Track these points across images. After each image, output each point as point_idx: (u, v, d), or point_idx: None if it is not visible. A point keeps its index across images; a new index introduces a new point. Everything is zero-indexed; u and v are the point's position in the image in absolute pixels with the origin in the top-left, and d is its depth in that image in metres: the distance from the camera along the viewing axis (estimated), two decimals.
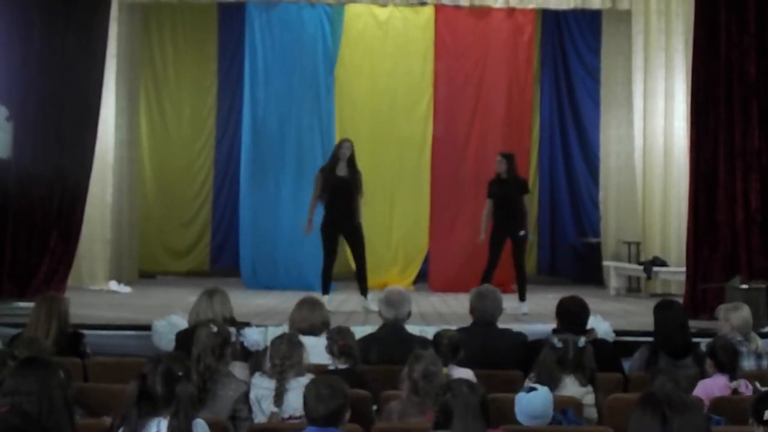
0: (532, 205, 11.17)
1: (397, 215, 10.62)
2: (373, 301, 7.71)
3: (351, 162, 8.07)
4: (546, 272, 11.67)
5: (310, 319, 4.90)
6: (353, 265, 8.40)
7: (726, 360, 4.33)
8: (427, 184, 10.52)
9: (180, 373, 3.19)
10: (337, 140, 10.08)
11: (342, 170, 8.04)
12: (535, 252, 11.70)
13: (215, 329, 4.08)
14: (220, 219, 11.67)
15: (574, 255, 11.59)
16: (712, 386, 4.20)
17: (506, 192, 8.02)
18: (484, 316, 5.07)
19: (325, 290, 7.99)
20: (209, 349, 3.94)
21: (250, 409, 3.91)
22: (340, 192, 8.00)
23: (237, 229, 10.64)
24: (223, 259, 11.54)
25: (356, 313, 7.94)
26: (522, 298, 8.18)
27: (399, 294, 5.18)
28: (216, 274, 11.09)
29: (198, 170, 11.69)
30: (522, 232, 8.00)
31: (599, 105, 11.04)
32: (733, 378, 4.31)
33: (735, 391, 4.25)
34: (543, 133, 11.77)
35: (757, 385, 3.97)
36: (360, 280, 8.15)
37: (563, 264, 11.67)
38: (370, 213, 9.15)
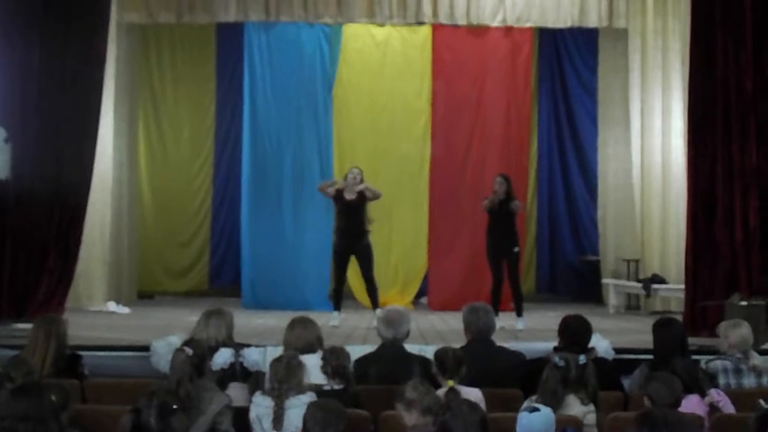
0: (530, 223, 11.42)
1: (396, 234, 10.62)
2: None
3: (357, 185, 8.38)
4: (545, 290, 11.67)
5: (305, 337, 4.88)
6: (352, 284, 8.61)
7: (689, 381, 4.30)
8: (426, 203, 10.55)
9: (175, 406, 3.21)
10: (335, 159, 10.46)
11: (349, 195, 8.36)
12: (534, 270, 11.72)
13: (190, 352, 4.05)
14: (219, 238, 11.69)
15: (573, 273, 11.58)
16: (688, 407, 4.13)
17: (504, 212, 8.26)
18: (480, 331, 5.06)
19: (337, 307, 8.47)
20: (186, 376, 3.95)
21: (231, 422, 3.94)
22: (349, 214, 8.31)
23: (236, 248, 10.68)
24: (223, 279, 11.55)
25: (358, 330, 8.00)
26: (519, 314, 8.27)
27: (398, 313, 5.14)
28: (215, 293, 11.09)
29: (197, 190, 11.70)
30: (516, 249, 8.30)
31: (597, 123, 11.06)
32: (703, 395, 4.29)
33: (712, 406, 4.23)
34: (541, 151, 11.79)
35: (762, 402, 3.88)
36: (371, 294, 8.52)
37: (562, 282, 11.67)
38: (371, 232, 9.21)
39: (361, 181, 8.39)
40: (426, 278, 10.58)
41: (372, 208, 8.77)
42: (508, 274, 8.31)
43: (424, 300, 10.62)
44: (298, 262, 10.01)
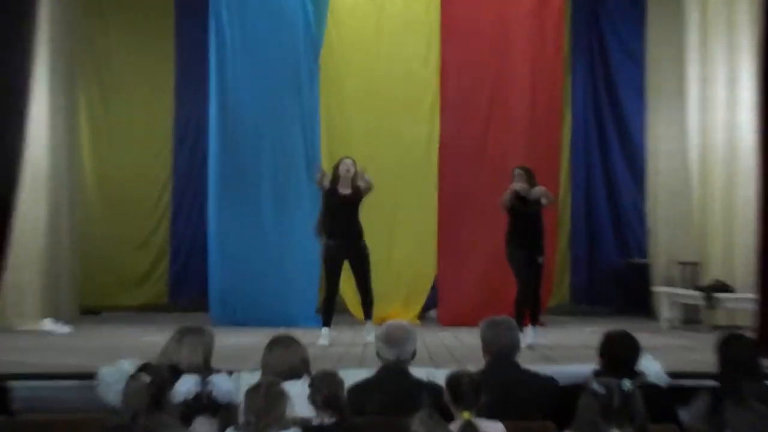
0: (564, 219, 11.56)
1: (399, 234, 10.73)
2: (370, 332, 8.39)
3: (351, 178, 8.65)
4: (582, 300, 11.81)
5: (287, 359, 4.89)
6: (345, 295, 8.72)
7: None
8: (435, 196, 10.66)
9: None
10: (323, 143, 10.53)
11: (344, 189, 8.62)
12: (569, 276, 11.91)
13: (147, 380, 4.08)
14: (182, 240, 11.80)
15: (616, 279, 11.69)
16: None
17: (526, 210, 8.50)
18: (502, 351, 5.07)
19: (327, 322, 8.63)
20: (142, 409, 3.97)
21: None
22: (343, 211, 8.59)
23: (202, 252, 10.76)
24: (186, 290, 11.68)
25: (353, 350, 8.12)
26: (533, 322, 8.53)
27: (402, 330, 5.10)
28: (177, 308, 11.20)
29: (153, 180, 11.81)
30: (540, 259, 8.53)
31: (644, 96, 11.18)
32: None
33: None
34: (576, 131, 11.89)
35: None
36: (365, 304, 8.82)
37: (603, 290, 11.80)
38: (366, 231, 9.29)
39: (355, 173, 8.63)
40: (435, 287, 10.69)
41: (369, 203, 8.93)
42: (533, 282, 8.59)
43: (433, 313, 10.76)
44: (279, 269, 10.10)
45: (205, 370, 4.95)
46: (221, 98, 10.34)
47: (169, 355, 4.98)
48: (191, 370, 4.84)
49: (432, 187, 10.65)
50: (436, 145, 10.66)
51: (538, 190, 8.49)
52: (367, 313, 8.84)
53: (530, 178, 8.52)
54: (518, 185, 8.47)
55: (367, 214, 9.15)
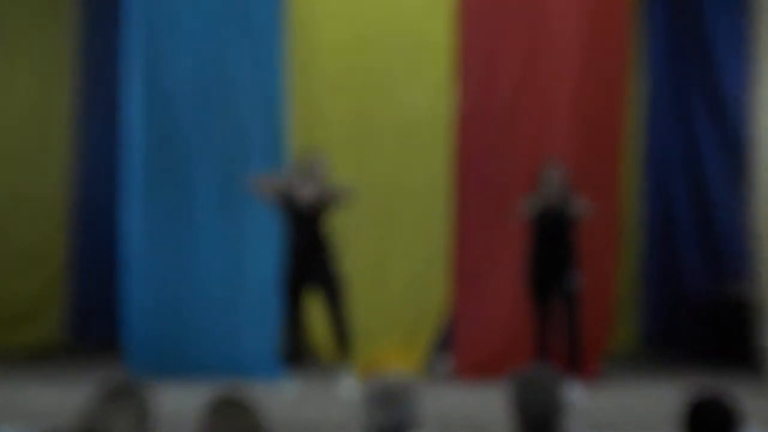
0: (631, 233, 11.72)
1: (397, 250, 10.80)
2: (349, 383, 8.64)
3: (320, 179, 8.99)
4: (656, 344, 11.87)
5: (234, 430, 4.74)
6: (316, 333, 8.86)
7: None
8: (447, 198, 10.66)
9: None
10: (295, 129, 10.57)
11: (306, 190, 9.01)
12: (637, 310, 11.97)
13: None
14: (85, 256, 11.86)
15: (705, 315, 11.70)
16: None
17: (557, 221, 8.92)
18: (539, 418, 4.95)
19: (291, 358, 9.09)
20: None
21: None
22: (307, 225, 9.01)
23: (113, 276, 10.70)
24: (91, 325, 11.71)
25: (329, 412, 8.22)
26: (575, 370, 8.86)
27: (399, 385, 5.01)
28: (78, 350, 11.20)
29: (45, 181, 11.89)
30: (575, 279, 9.05)
31: (745, 66, 11.10)
32: None
33: None
34: (650, 111, 12.00)
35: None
36: (339, 338, 9.07)
37: (685, 330, 11.84)
38: (352, 244, 9.71)
39: (321, 171, 9.07)
40: (448, 324, 10.67)
41: (356, 206, 9.22)
42: (562, 317, 8.94)
43: (444, 360, 10.72)
44: (225, 298, 10.16)
45: None
46: (145, 67, 10.35)
47: (95, 426, 4.77)
48: None
49: (442, 182, 10.64)
50: (448, 125, 10.62)
51: (580, 206, 8.85)
52: (342, 351, 9.09)
53: (564, 178, 9.00)
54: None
55: (353, 219, 9.47)
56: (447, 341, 10.73)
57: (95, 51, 11.83)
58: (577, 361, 8.95)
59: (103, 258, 11.55)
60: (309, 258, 9.06)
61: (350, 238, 9.89)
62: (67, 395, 8.38)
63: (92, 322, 11.74)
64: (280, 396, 8.49)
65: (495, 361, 9.83)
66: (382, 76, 10.85)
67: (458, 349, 10.52)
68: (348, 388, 8.94)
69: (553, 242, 9.07)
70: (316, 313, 9.77)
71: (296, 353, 9.11)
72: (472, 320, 10.45)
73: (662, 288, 12.06)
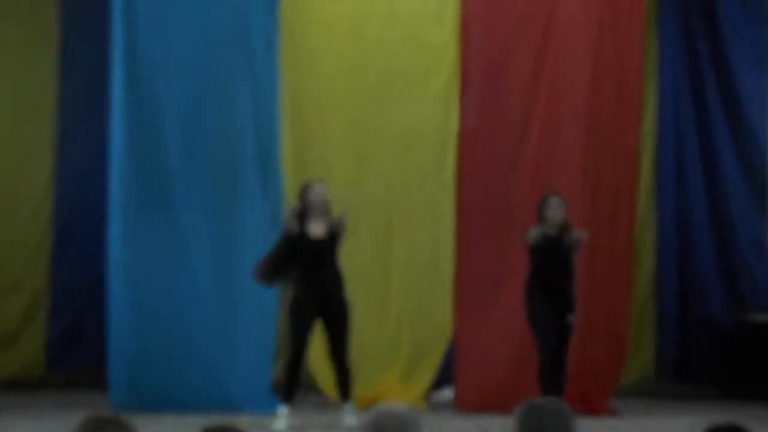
0: (645, 254, 11.52)
1: (397, 272, 10.65)
2: (351, 417, 8.85)
3: (326, 213, 9.16)
4: (673, 375, 11.66)
5: None
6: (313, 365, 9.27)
7: None
8: (450, 218, 10.56)
9: None
10: (285, 139, 10.47)
11: (317, 228, 9.15)
12: (653, 340, 11.71)
13: None
14: (67, 282, 11.66)
15: (726, 344, 11.49)
16: None
17: (559, 254, 9.22)
18: None
19: (289, 397, 9.10)
20: None
21: None
22: (316, 260, 9.14)
23: (99, 300, 10.52)
24: (73, 357, 11.55)
25: None
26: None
27: (399, 419, 4.58)
28: (58, 382, 11.05)
29: (24, 196, 11.73)
30: (571, 317, 9.29)
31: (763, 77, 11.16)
32: None
33: None
34: (664, 122, 11.76)
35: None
36: (340, 380, 9.18)
37: (704, 361, 11.63)
38: (349, 269, 9.47)
39: (327, 210, 9.19)
40: (450, 354, 10.55)
41: (354, 225, 9.22)
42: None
43: (447, 393, 10.62)
44: (216, 328, 10.06)
45: None
46: (129, 75, 10.21)
47: None
48: None
49: (447, 198, 10.56)
50: (453, 140, 10.54)
51: (577, 236, 9.13)
52: (344, 391, 9.17)
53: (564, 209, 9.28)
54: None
55: (351, 243, 9.37)
56: (450, 372, 10.60)
57: (79, 56, 11.65)
58: (561, 390, 8.89)
59: (86, 285, 11.45)
60: (323, 292, 9.17)
61: (347, 263, 9.59)
62: (46, 425, 8.60)
63: (73, 353, 11.55)
64: (274, 423, 8.68)
65: (499, 393, 9.78)
66: (382, 89, 10.70)
67: (461, 381, 10.42)
68: (350, 426, 8.95)
69: (552, 268, 9.27)
70: (318, 348, 9.66)
71: (293, 390, 9.06)
72: (474, 350, 10.37)
73: (678, 314, 11.79)
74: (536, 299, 9.23)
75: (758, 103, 11.35)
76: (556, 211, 9.19)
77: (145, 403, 9.69)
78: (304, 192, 9.23)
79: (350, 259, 9.49)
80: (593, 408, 9.32)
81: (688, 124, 11.80)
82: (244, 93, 10.36)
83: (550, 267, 9.25)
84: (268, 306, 9.91)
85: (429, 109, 10.73)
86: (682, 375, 11.66)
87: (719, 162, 11.67)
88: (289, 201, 9.70)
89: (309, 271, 9.18)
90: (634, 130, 10.75)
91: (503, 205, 10.39)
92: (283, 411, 8.89)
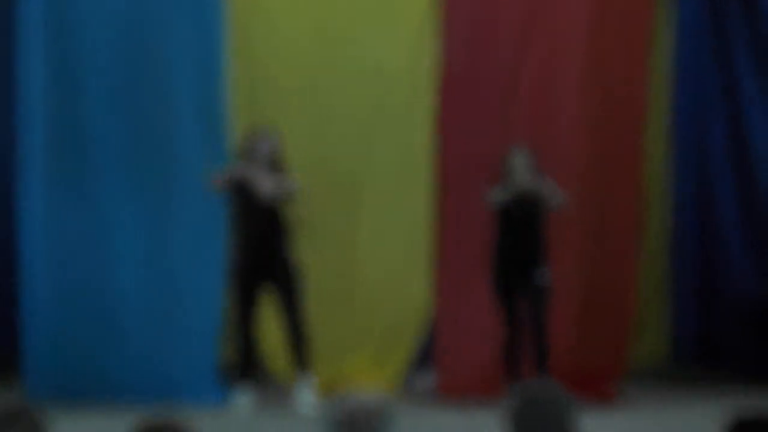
0: (658, 223, 11.43)
1: (367, 243, 10.49)
2: (307, 398, 8.99)
3: (276, 167, 9.28)
4: (692, 358, 11.47)
5: None
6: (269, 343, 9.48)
7: None
8: (427, 190, 10.46)
9: None
10: (237, 105, 10.27)
11: (264, 178, 9.27)
12: (670, 319, 11.50)
13: None
14: None
15: (753, 320, 11.12)
16: None
17: (525, 212, 9.27)
18: None
19: (248, 372, 9.33)
20: None
21: None
22: (261, 218, 9.27)
23: (10, 277, 10.38)
24: None
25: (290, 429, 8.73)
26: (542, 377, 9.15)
27: (369, 408, 4.63)
28: None
29: None
30: (541, 274, 9.29)
31: None
32: None
33: None
34: (681, 79, 11.43)
35: None
36: (296, 344, 9.26)
37: (727, 341, 11.37)
38: (313, 239, 9.75)
39: (277, 163, 9.21)
40: (429, 335, 10.48)
41: (317, 191, 9.32)
42: (529, 314, 9.28)
43: (424, 378, 10.43)
44: (151, 306, 9.85)
45: None
46: (45, 35, 9.96)
47: None
48: None
49: (423, 158, 10.38)
50: (431, 83, 10.34)
51: (549, 188, 9.13)
52: (300, 360, 9.26)
53: (533, 163, 9.29)
54: (517, 181, 9.15)
55: (312, 207, 9.48)
56: (428, 354, 10.49)
57: None
58: (544, 368, 9.05)
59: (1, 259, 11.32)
60: (265, 252, 9.27)
61: (310, 230, 9.77)
62: None
63: None
64: (230, 416, 8.73)
65: (484, 378, 9.85)
66: (345, 26, 10.48)
67: (440, 364, 10.36)
68: (306, 405, 9.03)
69: (521, 234, 9.34)
70: (268, 320, 9.62)
71: (250, 364, 9.26)
72: (456, 330, 10.33)
73: (698, 290, 11.47)
74: (497, 264, 9.27)
75: None
76: (519, 165, 9.16)
77: (66, 392, 9.57)
78: (248, 141, 9.29)
79: (314, 228, 9.58)
80: (595, 392, 9.05)
81: (708, 79, 11.44)
82: (182, 32, 10.12)
83: (514, 228, 9.30)
84: (213, 280, 9.70)
85: (401, 53, 10.49)
86: (702, 356, 11.41)
87: (745, 111, 11.27)
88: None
89: (252, 230, 9.33)
90: (641, 79, 10.57)
91: (490, 168, 9.93)
92: (239, 394, 9.06)
